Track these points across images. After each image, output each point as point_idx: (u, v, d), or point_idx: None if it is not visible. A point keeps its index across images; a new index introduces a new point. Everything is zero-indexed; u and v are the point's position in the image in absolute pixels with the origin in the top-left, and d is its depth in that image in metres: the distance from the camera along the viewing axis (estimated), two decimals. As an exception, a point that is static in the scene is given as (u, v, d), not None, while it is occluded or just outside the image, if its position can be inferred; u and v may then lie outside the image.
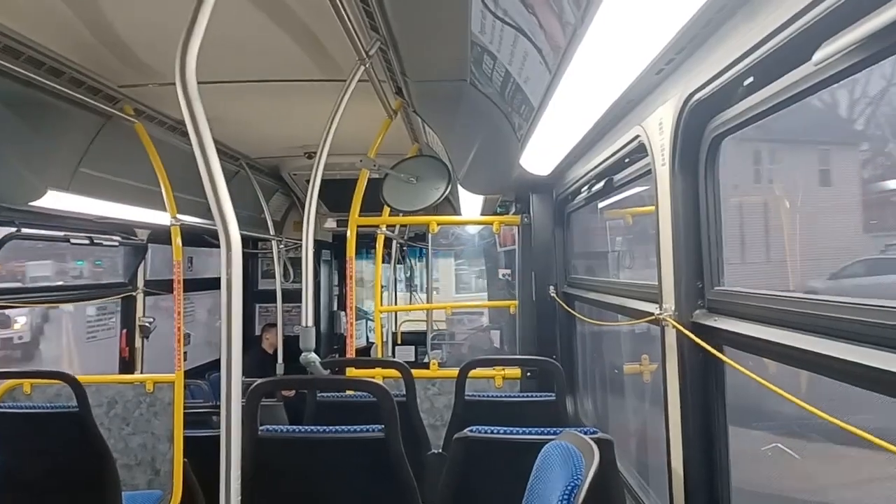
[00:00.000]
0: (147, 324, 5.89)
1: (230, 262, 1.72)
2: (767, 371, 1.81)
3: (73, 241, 5.01)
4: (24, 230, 4.49)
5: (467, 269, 11.34)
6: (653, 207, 2.20)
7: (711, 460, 2.00)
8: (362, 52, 2.79)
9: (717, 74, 1.65)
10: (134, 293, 5.85)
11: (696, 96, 1.80)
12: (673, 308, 2.07)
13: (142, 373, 5.78)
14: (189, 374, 5.77)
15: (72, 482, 3.39)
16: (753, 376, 1.62)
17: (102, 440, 3.41)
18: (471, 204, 6.32)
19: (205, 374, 6.89)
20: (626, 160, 2.74)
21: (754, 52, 1.46)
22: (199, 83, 1.73)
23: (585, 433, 1.91)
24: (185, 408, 4.13)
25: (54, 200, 4.00)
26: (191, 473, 4.11)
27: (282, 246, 7.83)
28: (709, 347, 1.85)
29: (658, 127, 2.08)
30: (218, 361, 1.73)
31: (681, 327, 1.99)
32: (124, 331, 5.85)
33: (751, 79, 1.58)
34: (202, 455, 3.62)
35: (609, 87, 2.07)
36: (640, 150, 2.38)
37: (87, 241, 5.14)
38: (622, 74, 1.93)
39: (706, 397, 2.00)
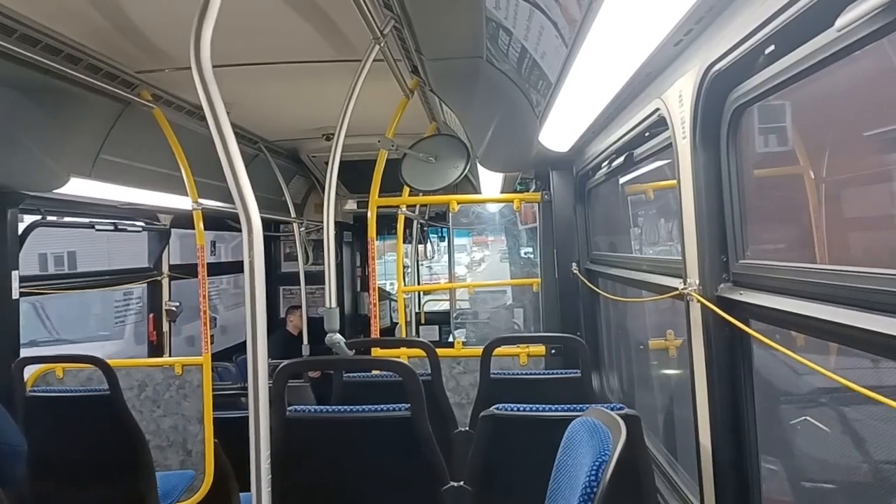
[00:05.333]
0: (174, 308, 5.97)
1: (252, 246, 1.73)
2: (795, 345, 1.78)
3: (97, 227, 5.09)
4: (49, 217, 4.57)
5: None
6: (675, 181, 2.16)
7: (740, 435, 1.98)
8: (376, 30, 2.77)
9: (737, 44, 1.61)
10: (159, 278, 5.93)
11: (716, 67, 1.76)
12: (697, 282, 2.04)
13: (170, 356, 5.88)
14: (216, 356, 5.87)
15: (106, 464, 3.47)
16: (781, 349, 1.60)
17: (134, 422, 3.48)
18: (490, 182, 6.29)
19: (232, 357, 6.98)
20: (647, 134, 2.70)
21: (775, 19, 1.42)
22: (214, 67, 1.72)
23: (612, 409, 1.91)
24: (213, 390, 4.19)
25: (77, 187, 4.05)
26: (222, 454, 4.19)
27: (303, 228, 7.86)
28: (735, 321, 1.82)
29: (678, 99, 2.04)
30: (244, 344, 1.75)
31: (706, 302, 1.97)
32: (151, 315, 5.94)
33: (772, 47, 1.54)
34: (232, 435, 3.67)
35: (627, 59, 2.03)
36: (661, 124, 2.34)
37: (111, 228, 5.21)
38: (640, 46, 1.90)
39: (733, 372, 1.98)
